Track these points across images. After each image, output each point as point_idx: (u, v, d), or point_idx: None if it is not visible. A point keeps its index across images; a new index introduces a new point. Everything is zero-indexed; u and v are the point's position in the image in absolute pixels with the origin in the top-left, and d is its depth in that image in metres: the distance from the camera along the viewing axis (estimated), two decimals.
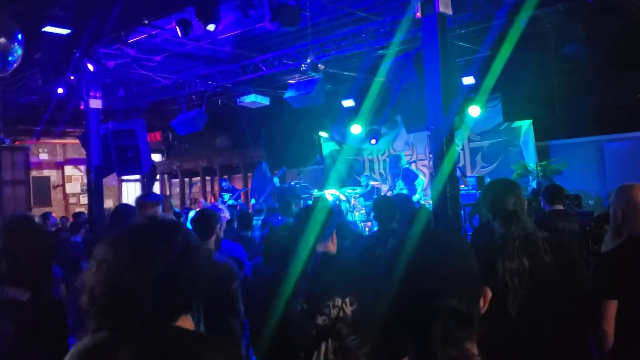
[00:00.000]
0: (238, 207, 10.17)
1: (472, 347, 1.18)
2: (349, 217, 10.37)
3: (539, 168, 10.38)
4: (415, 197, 10.04)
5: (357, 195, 11.32)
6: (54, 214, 10.61)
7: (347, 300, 2.44)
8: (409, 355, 1.24)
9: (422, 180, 11.12)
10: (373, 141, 12.75)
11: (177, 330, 1.35)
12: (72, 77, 9.62)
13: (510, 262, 2.66)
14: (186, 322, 1.39)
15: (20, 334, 2.25)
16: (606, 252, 2.82)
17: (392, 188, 11.03)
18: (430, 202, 9.54)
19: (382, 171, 13.61)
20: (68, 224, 9.39)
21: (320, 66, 7.86)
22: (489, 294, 1.20)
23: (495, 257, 2.65)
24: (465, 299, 1.14)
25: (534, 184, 10.08)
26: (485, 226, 3.72)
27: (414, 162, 12.45)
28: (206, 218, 3.71)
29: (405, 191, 10.35)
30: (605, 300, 2.71)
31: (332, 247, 2.64)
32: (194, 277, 1.38)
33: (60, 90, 9.67)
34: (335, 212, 3.02)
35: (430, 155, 6.59)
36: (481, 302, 1.20)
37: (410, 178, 10.90)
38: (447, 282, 1.14)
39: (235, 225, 6.37)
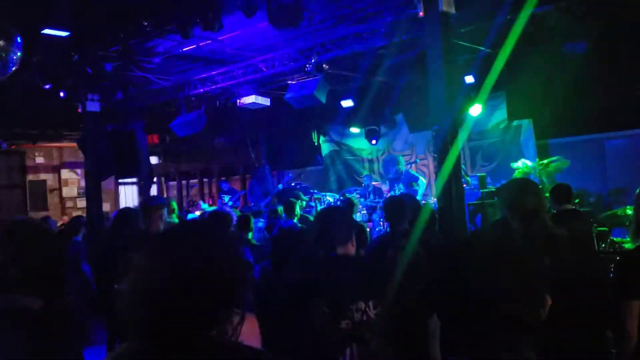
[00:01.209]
0: (239, 209, 10.11)
1: (529, 352, 1.13)
2: None
3: (539, 167, 10.35)
4: None
5: (358, 196, 11.27)
6: (52, 219, 10.51)
7: (371, 303, 2.39)
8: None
9: (423, 181, 11.07)
10: (373, 141, 12.71)
11: (214, 341, 1.30)
12: (70, 80, 9.53)
13: None
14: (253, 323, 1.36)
15: (32, 343, 2.19)
16: (629, 251, 2.77)
17: (391, 190, 10.98)
18: (431, 202, 9.52)
19: (382, 171, 13.58)
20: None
21: (325, 66, 7.80)
22: (549, 301, 1.16)
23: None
24: (527, 306, 1.10)
25: None
26: (496, 225, 3.68)
27: (415, 162, 12.41)
28: (223, 221, 3.64)
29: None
30: (629, 300, 2.67)
31: (351, 249, 2.58)
32: (230, 285, 1.33)
33: (60, 94, 9.59)
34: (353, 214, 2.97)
35: (434, 155, 6.56)
36: (542, 310, 1.15)
37: (410, 181, 10.84)
38: (510, 290, 1.10)
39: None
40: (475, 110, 10.84)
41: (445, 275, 1.16)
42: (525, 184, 2.87)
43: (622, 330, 2.70)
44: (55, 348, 2.24)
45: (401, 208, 4.16)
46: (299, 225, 5.92)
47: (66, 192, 17.57)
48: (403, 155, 13.00)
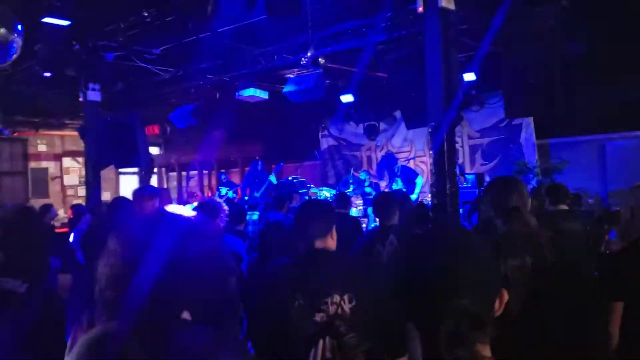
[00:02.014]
0: (235, 201, 10.13)
1: (484, 349, 1.14)
2: None
3: (539, 166, 10.33)
4: (413, 197, 9.95)
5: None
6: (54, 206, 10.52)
7: (346, 297, 2.40)
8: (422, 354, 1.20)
9: (422, 178, 11.05)
10: (372, 137, 12.70)
11: (187, 325, 1.32)
12: (71, 69, 9.56)
13: (512, 260, 2.63)
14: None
15: (18, 326, 2.22)
16: (613, 253, 2.79)
17: (389, 187, 10.98)
18: (427, 199, 9.52)
19: (380, 167, 13.57)
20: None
21: (321, 60, 7.78)
22: (506, 295, 1.17)
23: (496, 254, 2.61)
24: (478, 299, 1.10)
25: (534, 183, 10.03)
26: (485, 224, 3.68)
27: (413, 158, 12.40)
28: (209, 211, 3.67)
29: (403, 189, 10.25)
30: (612, 302, 2.69)
31: (331, 243, 2.59)
32: (203, 271, 1.35)
33: (61, 82, 9.62)
34: (333, 207, 2.98)
35: (431, 152, 6.55)
36: (496, 304, 1.16)
37: (408, 177, 10.83)
38: (458, 282, 1.10)
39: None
40: (475, 108, 10.83)
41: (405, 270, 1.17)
42: (509, 183, 2.86)
43: (604, 331, 2.72)
44: (41, 331, 2.26)
45: (389, 204, 4.17)
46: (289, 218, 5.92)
47: (67, 180, 17.64)
48: (401, 152, 12.99)
